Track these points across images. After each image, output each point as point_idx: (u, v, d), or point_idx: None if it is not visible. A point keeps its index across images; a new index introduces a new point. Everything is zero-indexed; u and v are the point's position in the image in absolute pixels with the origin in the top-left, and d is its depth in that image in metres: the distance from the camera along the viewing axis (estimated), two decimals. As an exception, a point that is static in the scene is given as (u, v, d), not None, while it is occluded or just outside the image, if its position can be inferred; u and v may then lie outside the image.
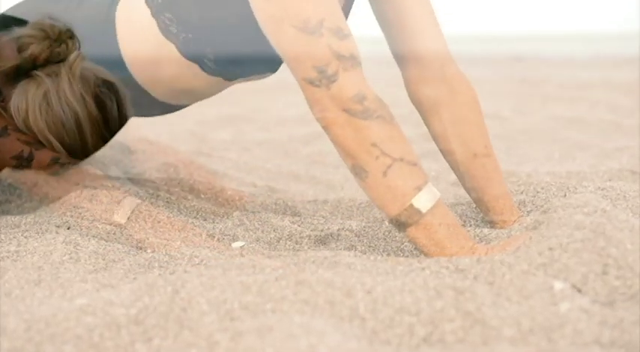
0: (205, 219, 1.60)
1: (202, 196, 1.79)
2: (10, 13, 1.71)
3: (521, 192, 1.83)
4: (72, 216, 1.55)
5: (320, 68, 1.30)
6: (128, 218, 1.63)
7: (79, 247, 1.35)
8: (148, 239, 1.42)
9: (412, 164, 1.30)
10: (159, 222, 1.59)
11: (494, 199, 1.57)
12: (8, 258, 1.33)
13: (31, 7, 1.72)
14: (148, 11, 1.60)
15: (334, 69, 1.30)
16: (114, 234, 1.42)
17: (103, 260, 1.34)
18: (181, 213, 1.62)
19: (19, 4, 1.73)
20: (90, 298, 1.08)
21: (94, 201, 1.63)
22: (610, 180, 2.00)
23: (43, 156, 1.65)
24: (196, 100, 1.80)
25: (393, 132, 1.30)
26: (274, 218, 1.62)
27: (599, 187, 1.67)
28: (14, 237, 1.40)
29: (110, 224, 1.63)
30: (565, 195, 1.73)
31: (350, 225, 1.57)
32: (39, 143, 1.66)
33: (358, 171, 1.31)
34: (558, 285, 1.07)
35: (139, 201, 1.67)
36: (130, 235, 1.43)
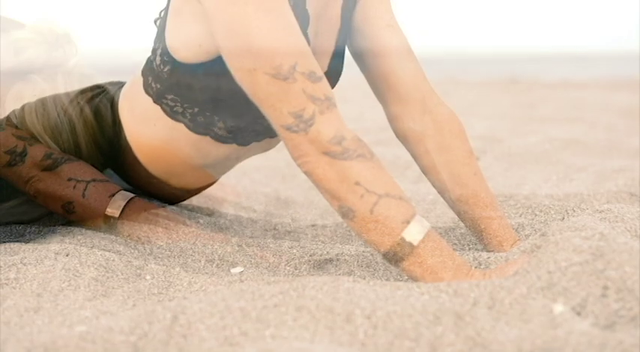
0: (204, 245, 1.60)
1: (201, 221, 1.80)
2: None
3: (520, 215, 1.83)
4: (70, 243, 1.55)
5: (296, 113, 1.30)
6: (122, 212, 1.64)
7: (78, 274, 1.35)
8: (147, 265, 1.42)
9: (398, 198, 1.30)
10: (157, 247, 1.59)
11: (490, 226, 1.56)
12: (7, 285, 1.33)
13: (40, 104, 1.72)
14: (149, 99, 1.62)
15: (310, 113, 1.30)
16: (113, 260, 1.42)
17: (102, 287, 1.34)
18: (180, 239, 1.62)
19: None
20: (89, 325, 1.08)
21: (86, 195, 1.63)
22: (608, 202, 2.00)
23: (37, 151, 1.65)
24: (215, 177, 1.81)
25: (375, 169, 1.30)
26: (273, 243, 1.62)
27: (597, 210, 1.67)
28: (13, 264, 1.39)
29: (103, 217, 1.63)
30: (563, 218, 1.73)
31: (349, 250, 1.57)
32: (33, 138, 1.66)
33: (345, 212, 1.30)
34: (558, 309, 1.07)
35: (133, 195, 1.67)
36: (129, 261, 1.43)
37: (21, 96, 1.66)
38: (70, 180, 1.65)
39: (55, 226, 1.74)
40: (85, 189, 1.64)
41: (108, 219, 1.65)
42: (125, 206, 1.65)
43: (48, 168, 1.65)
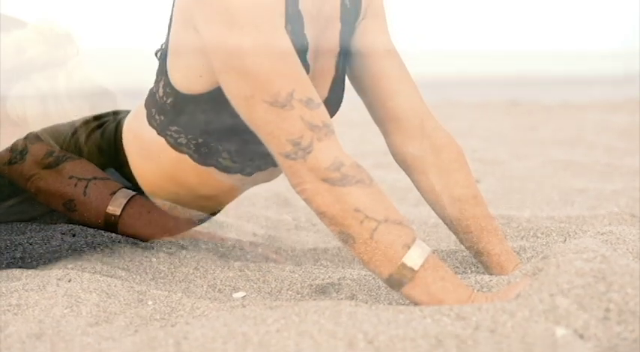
0: (206, 270, 1.60)
1: (203, 247, 1.80)
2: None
3: (521, 237, 1.83)
4: (73, 268, 1.55)
5: (294, 141, 1.30)
6: (123, 210, 1.63)
7: (80, 300, 1.35)
8: (149, 291, 1.42)
9: (398, 223, 1.30)
10: (160, 272, 1.59)
11: (491, 249, 1.56)
12: (9, 311, 1.33)
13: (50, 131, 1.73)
14: (153, 132, 1.62)
15: (308, 140, 1.30)
16: (115, 286, 1.42)
17: (104, 312, 1.33)
18: (182, 264, 1.62)
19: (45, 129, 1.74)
20: (92, 351, 1.08)
21: (87, 193, 1.63)
22: (609, 224, 2.00)
23: (38, 149, 1.65)
24: (219, 206, 1.82)
25: (374, 194, 1.31)
26: (275, 268, 1.62)
27: (598, 232, 1.67)
28: (15, 290, 1.40)
29: (105, 215, 1.63)
30: (565, 240, 1.73)
31: (351, 274, 1.57)
32: (35, 136, 1.66)
33: (345, 238, 1.30)
34: (560, 332, 1.07)
35: (134, 192, 1.67)
36: (131, 287, 1.43)
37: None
38: (71, 178, 1.65)
39: (56, 224, 1.74)
40: (86, 187, 1.64)
41: (109, 217, 1.66)
42: (126, 204, 1.66)
43: (49, 166, 1.65)
